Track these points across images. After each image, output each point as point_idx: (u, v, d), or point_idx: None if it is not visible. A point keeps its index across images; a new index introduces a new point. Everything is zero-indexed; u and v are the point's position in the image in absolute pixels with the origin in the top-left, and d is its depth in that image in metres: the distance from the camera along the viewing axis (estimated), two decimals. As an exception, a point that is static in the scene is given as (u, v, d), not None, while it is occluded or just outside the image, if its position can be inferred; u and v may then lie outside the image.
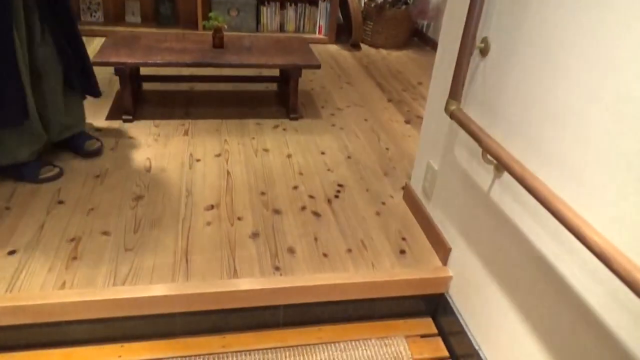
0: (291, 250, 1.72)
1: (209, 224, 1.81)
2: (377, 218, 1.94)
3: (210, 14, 2.58)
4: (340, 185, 2.13)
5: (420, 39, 4.38)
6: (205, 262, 1.63)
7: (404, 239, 1.83)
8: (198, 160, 2.22)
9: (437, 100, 1.75)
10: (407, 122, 2.79)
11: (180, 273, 1.58)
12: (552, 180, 1.10)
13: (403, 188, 2.12)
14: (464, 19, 1.36)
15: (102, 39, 3.49)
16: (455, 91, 1.44)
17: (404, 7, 3.97)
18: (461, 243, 1.58)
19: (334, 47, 4.01)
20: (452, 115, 1.45)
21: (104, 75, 2.97)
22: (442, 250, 1.69)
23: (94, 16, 3.84)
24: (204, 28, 2.55)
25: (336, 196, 2.05)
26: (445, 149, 1.69)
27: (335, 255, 1.71)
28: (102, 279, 1.53)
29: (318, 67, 2.55)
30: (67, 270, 1.54)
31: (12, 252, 1.60)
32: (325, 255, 1.71)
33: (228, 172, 2.15)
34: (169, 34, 2.80)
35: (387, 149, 2.47)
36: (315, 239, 1.79)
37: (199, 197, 1.96)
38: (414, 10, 3.94)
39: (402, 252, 1.76)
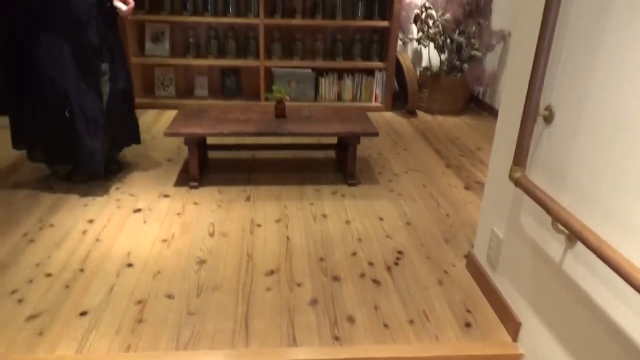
0: (351, 319, 1.68)
1: (268, 289, 1.82)
2: (439, 287, 1.87)
3: (274, 87, 2.74)
4: (399, 252, 2.09)
5: (477, 105, 4.40)
6: (265, 328, 1.62)
7: (468, 310, 1.75)
8: (259, 226, 2.27)
9: (499, 167, 1.73)
10: (467, 188, 2.75)
11: (240, 339, 1.58)
12: (633, 252, 1.03)
13: (466, 256, 2.05)
14: (525, 86, 1.36)
15: (174, 112, 3.78)
16: (519, 158, 1.42)
17: (459, 74, 4.03)
18: (532, 317, 1.48)
19: (390, 115, 4.09)
20: (517, 183, 1.42)
21: (173, 143, 3.17)
22: (511, 324, 1.60)
23: (167, 90, 4.18)
24: (267, 99, 2.70)
25: (396, 263, 2.01)
26: (510, 216, 1.64)
27: (396, 326, 1.66)
28: (165, 342, 1.55)
29: (376, 134, 2.61)
30: (133, 333, 1.58)
31: (84, 313, 1.67)
32: (386, 325, 1.66)
33: (288, 238, 2.18)
34: (235, 106, 2.98)
35: (447, 215, 2.43)
36: (375, 308, 1.74)
37: (259, 262, 1.99)
38: (469, 77, 3.99)
39: (468, 324, 1.68)
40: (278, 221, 2.32)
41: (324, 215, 2.39)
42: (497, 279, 1.74)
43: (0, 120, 3.31)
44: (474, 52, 3.93)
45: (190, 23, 4.00)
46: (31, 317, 1.64)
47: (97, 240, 2.11)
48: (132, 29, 3.86)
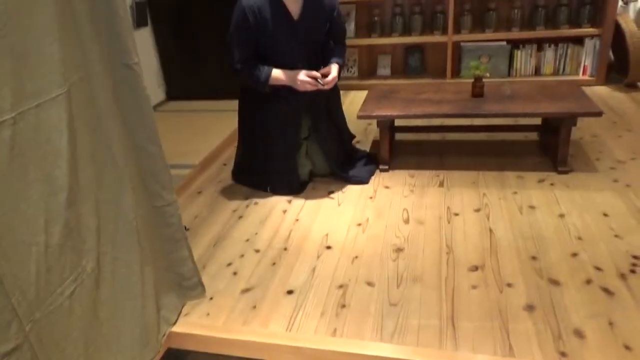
0: (579, 334, 1.43)
1: (474, 287, 1.66)
2: (698, 307, 1.49)
3: (472, 63, 2.50)
4: (636, 258, 1.73)
5: None
6: (475, 331, 1.47)
7: None
8: (456, 215, 2.11)
9: None
10: None
11: (448, 340, 1.46)
12: None
13: None
14: None
15: (357, 92, 3.79)
16: None
17: None
18: None
19: (603, 89, 3.48)
20: None
21: (360, 125, 3.16)
22: None
23: (350, 71, 4.20)
24: (462, 77, 2.48)
25: (632, 271, 1.67)
26: None
27: (641, 350, 1.36)
28: (369, 332, 1.52)
29: (599, 114, 2.21)
30: (337, 318, 1.58)
31: (290, 292, 1.73)
32: (627, 348, 1.37)
33: (490, 230, 1.97)
34: (425, 85, 2.83)
35: (698, 214, 1.95)
36: (610, 324, 1.46)
37: (460, 256, 1.83)
38: None
39: None
40: (477, 210, 2.12)
41: (531, 207, 2.11)
42: None
43: (224, 105, 3.67)
44: None
45: (375, 2, 3.92)
46: (245, 291, 1.76)
47: (297, 220, 2.19)
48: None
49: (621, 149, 2.55)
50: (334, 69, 2.24)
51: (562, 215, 2.02)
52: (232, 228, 2.18)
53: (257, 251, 1.99)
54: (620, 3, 3.48)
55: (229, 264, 1.92)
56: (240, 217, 2.27)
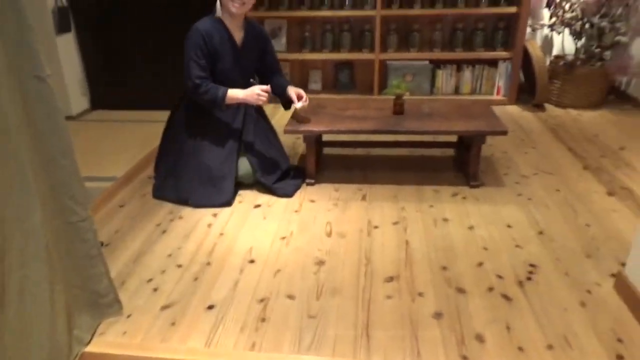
0: (480, 338, 1.55)
1: (389, 297, 1.75)
2: (581, 310, 1.66)
3: (393, 82, 2.64)
4: (532, 266, 1.90)
5: (618, 97, 3.89)
6: (387, 340, 1.56)
7: (620, 340, 1.53)
8: (376, 227, 2.21)
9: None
10: (610, 194, 2.43)
11: (362, 349, 1.53)
12: None
13: (614, 275, 1.80)
14: None
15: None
16: None
17: (599, 63, 3.58)
18: None
19: (514, 109, 3.78)
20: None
21: (288, 139, 3.21)
22: (680, 364, 1.36)
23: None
24: (385, 94, 2.61)
25: (529, 278, 1.83)
26: (683, 238, 1.38)
27: (532, 351, 1.50)
28: (287, 345, 1.56)
29: (504, 133, 2.40)
30: (256, 332, 1.61)
31: (211, 307, 1.74)
32: (520, 349, 1.51)
33: (407, 242, 2.09)
34: (351, 101, 2.94)
35: (587, 225, 2.16)
36: (508, 328, 1.59)
37: (378, 267, 1.93)
38: (612, 66, 3.53)
39: (620, 357, 1.46)
40: (396, 223, 2.24)
41: (445, 220, 2.25)
42: (659, 309, 1.50)
43: (151, 115, 3.60)
44: (618, 38, 3.47)
45: (306, 18, 4.02)
46: (165, 307, 1.74)
47: (222, 234, 2.20)
48: (252, 25, 3.98)
49: (526, 165, 2.78)
50: (298, 90, 2.52)
51: (471, 227, 2.18)
52: (155, 243, 2.15)
53: (180, 266, 1.98)
54: (528, 30, 3.80)
55: (150, 280, 1.90)
56: (164, 231, 2.24)
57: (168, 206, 2.45)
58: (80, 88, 3.79)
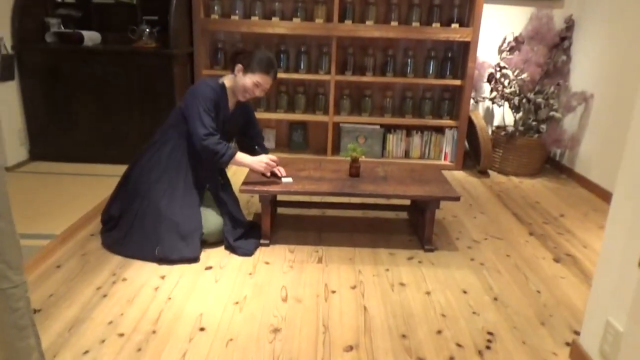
0: (444, 413, 1.50)
1: (349, 368, 1.67)
2: (541, 380, 1.65)
3: (349, 145, 2.68)
4: (490, 334, 1.89)
5: (553, 166, 4.16)
6: (348, 418, 1.46)
7: (580, 412, 1.52)
8: (333, 292, 2.15)
9: (615, 248, 1.54)
10: (557, 260, 2.52)
11: None
12: None
13: (568, 344, 1.82)
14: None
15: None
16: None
17: (536, 135, 3.85)
18: None
19: (460, 174, 3.93)
20: (652, 273, 1.23)
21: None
22: None
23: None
24: (341, 155, 2.65)
25: (487, 347, 1.81)
26: (636, 307, 1.43)
27: None
28: None
29: (457, 199, 2.47)
30: (207, 411, 1.47)
31: (156, 383, 1.58)
32: None
33: (365, 308, 2.04)
34: (307, 161, 2.94)
35: (538, 291, 2.21)
36: (471, 401, 1.55)
37: (336, 335, 1.85)
38: (548, 139, 3.79)
39: None
40: (353, 288, 2.19)
41: (402, 284, 2.23)
42: (616, 379, 1.51)
43: (95, 168, 3.45)
44: (552, 113, 3.75)
45: (262, 78, 4.08)
46: (103, 383, 1.57)
47: (169, 299, 2.05)
48: (207, 83, 3.99)
49: (476, 230, 2.86)
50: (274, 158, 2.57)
51: (428, 293, 2.17)
52: (94, 309, 1.96)
53: (121, 335, 1.81)
54: (472, 101, 4.05)
55: (86, 352, 1.71)
56: (105, 295, 2.06)
57: (110, 268, 2.28)
58: (19, 138, 3.58)
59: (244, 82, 2.43)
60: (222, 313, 1.97)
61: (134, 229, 2.41)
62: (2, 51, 3.30)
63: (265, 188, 2.45)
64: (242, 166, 2.47)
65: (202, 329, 1.86)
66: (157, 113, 3.51)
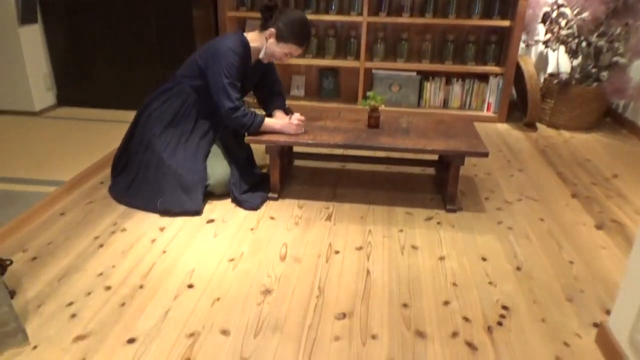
0: (434, 397, 1.33)
1: (337, 338, 1.53)
2: (556, 366, 1.44)
3: (369, 93, 2.42)
4: (505, 308, 1.67)
5: (614, 120, 3.69)
6: (325, 394, 1.33)
7: (597, 407, 1.30)
8: (337, 253, 1.98)
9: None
10: (599, 227, 2.21)
11: (294, 404, 1.30)
12: None
13: (596, 325, 1.58)
14: None
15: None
16: None
17: (595, 84, 3.38)
18: None
19: (504, 127, 3.57)
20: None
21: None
22: None
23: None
24: (362, 105, 2.41)
25: (499, 323, 1.60)
26: (676, 295, 1.16)
27: (494, 416, 1.27)
28: (208, 393, 1.33)
29: (485, 155, 2.18)
30: (175, 375, 1.38)
31: (131, 341, 1.51)
32: (480, 414, 1.28)
33: (368, 272, 1.86)
34: (327, 110, 2.72)
35: (571, 262, 1.94)
36: (468, 385, 1.37)
37: (330, 300, 1.70)
38: (609, 87, 3.32)
39: None
40: (359, 249, 2.01)
41: (414, 247, 2.03)
42: (645, 373, 1.27)
43: (116, 115, 3.43)
44: (616, 58, 3.27)
45: (290, 21, 3.81)
46: (79, 338, 1.51)
47: (164, 252, 1.97)
48: (233, 25, 3.78)
49: (510, 189, 2.56)
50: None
51: (442, 258, 1.95)
52: (88, 259, 1.92)
53: (108, 288, 1.75)
54: (522, 45, 3.60)
55: (70, 304, 1.66)
56: (101, 245, 2.01)
57: (112, 216, 2.23)
58: (45, 83, 3.57)
59: (274, 49, 2.27)
60: (215, 270, 1.86)
61: (138, 179, 2.33)
62: (22, -7, 3.23)
63: (271, 138, 2.27)
64: (272, 131, 2.30)
65: (190, 286, 1.77)
66: (176, 58, 3.35)
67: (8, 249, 1.96)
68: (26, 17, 3.29)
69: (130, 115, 2.49)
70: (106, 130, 3.19)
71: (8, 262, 1.71)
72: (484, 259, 1.95)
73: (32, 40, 3.41)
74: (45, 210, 2.26)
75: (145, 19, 3.39)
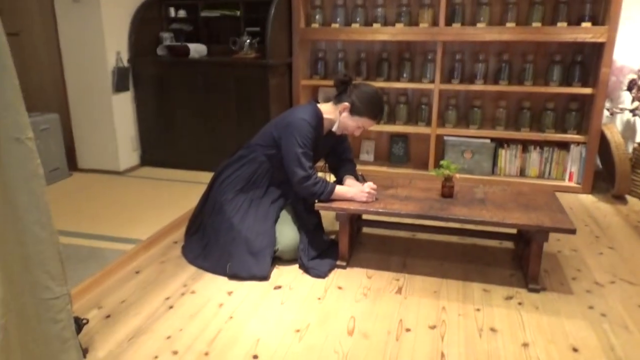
0: None
1: None
2: None
3: (442, 162, 2.36)
4: (604, 411, 1.46)
5: None
6: None
7: None
8: (408, 330, 1.86)
9: None
10: None
11: None
12: None
13: None
14: None
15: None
16: None
17: (692, 154, 3.11)
18: None
19: (589, 198, 3.33)
20: None
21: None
22: None
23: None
24: (434, 173, 2.35)
25: None
26: None
27: None
28: None
29: (572, 232, 2.02)
30: None
31: (194, 413, 1.46)
32: None
33: (442, 355, 1.72)
34: (398, 176, 2.68)
35: (681, 360, 1.69)
36: None
37: (402, 385, 1.57)
38: None
39: None
40: (432, 328, 1.88)
41: (493, 330, 1.87)
42: None
43: (195, 176, 3.58)
44: None
45: (362, 88, 3.89)
46: (143, 405, 1.49)
47: (231, 318, 1.95)
48: (306, 93, 3.92)
49: (601, 269, 2.34)
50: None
51: (525, 345, 1.78)
52: (158, 320, 1.93)
53: (175, 353, 1.74)
54: (606, 113, 3.42)
55: (137, 368, 1.66)
56: (171, 307, 2.03)
57: (183, 277, 2.26)
58: (132, 144, 3.84)
59: (347, 122, 2.33)
60: (281, 341, 1.80)
61: (211, 243, 2.37)
62: (119, 64, 3.56)
63: (342, 205, 2.25)
64: (344, 199, 2.29)
65: (255, 357, 1.71)
66: (252, 124, 3.51)
67: (86, 304, 2.03)
68: (120, 86, 3.61)
69: (207, 176, 2.58)
70: (184, 190, 3.34)
71: (84, 322, 1.75)
72: (575, 350, 1.75)
73: (123, 106, 3.71)
74: (122, 267, 2.34)
75: (226, 88, 3.60)
